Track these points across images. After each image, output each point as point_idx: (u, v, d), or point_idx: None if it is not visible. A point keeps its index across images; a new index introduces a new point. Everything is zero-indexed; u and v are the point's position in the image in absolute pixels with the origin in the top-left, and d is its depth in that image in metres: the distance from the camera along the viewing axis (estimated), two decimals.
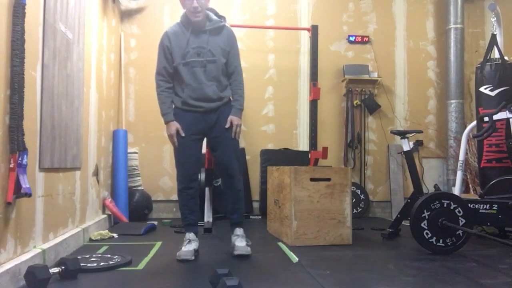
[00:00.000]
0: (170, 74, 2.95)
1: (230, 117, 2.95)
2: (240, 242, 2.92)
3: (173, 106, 2.99)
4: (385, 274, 2.54)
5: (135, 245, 3.36)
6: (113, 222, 4.30)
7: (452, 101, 5.24)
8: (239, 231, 3.00)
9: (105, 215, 4.14)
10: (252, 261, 2.84)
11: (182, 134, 2.92)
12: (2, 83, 2.09)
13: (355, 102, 5.29)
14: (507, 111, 3.43)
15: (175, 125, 2.92)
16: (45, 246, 2.59)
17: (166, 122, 2.95)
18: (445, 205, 3.13)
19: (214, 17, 2.98)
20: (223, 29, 2.98)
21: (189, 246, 2.90)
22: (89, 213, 3.66)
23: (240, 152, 3.13)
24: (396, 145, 5.31)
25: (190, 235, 2.96)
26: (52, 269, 2.27)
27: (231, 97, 3.04)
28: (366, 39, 5.38)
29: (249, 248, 2.90)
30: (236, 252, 2.88)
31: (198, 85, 2.89)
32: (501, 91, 3.89)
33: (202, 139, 3.05)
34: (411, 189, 3.94)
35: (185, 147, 2.94)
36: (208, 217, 4.16)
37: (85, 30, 3.46)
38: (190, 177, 2.96)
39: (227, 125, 2.93)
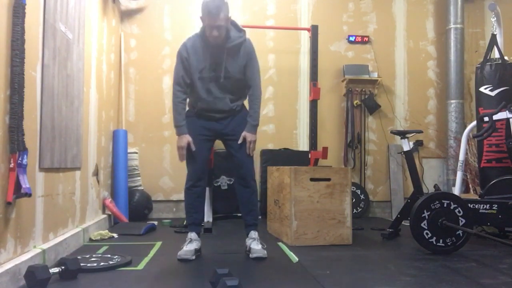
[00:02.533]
0: (188, 84, 2.93)
1: (244, 133, 2.94)
2: (256, 245, 2.93)
3: (187, 108, 3.01)
4: (385, 274, 2.54)
5: (135, 245, 3.35)
6: (113, 222, 4.30)
7: (452, 101, 5.24)
8: (254, 234, 3.00)
9: (105, 215, 4.14)
10: (252, 261, 2.84)
11: (193, 148, 2.92)
12: (2, 83, 2.09)
13: (355, 102, 5.29)
14: (507, 111, 3.43)
15: (187, 138, 2.90)
16: (45, 246, 2.59)
17: (179, 134, 2.92)
18: (445, 205, 3.13)
19: (234, 34, 2.88)
20: (242, 45, 2.91)
21: (190, 245, 2.90)
22: (89, 213, 3.66)
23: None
24: (396, 145, 5.31)
25: (192, 235, 2.96)
26: (52, 269, 2.27)
27: (244, 104, 3.06)
28: (366, 39, 5.38)
29: (265, 251, 2.92)
30: (253, 255, 2.89)
31: (212, 100, 2.92)
32: (501, 91, 3.88)
33: (213, 140, 3.08)
34: (411, 189, 3.94)
35: (195, 145, 2.95)
36: (208, 217, 4.17)
37: (85, 30, 3.46)
38: (198, 175, 2.97)
39: (240, 141, 2.93)
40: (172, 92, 2.95)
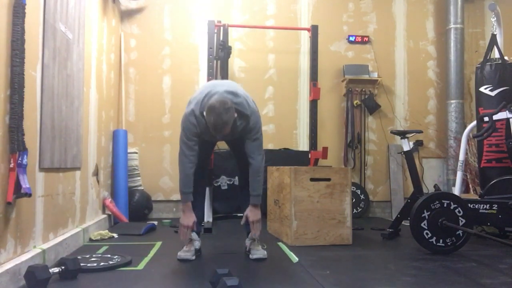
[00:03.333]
0: (197, 143, 2.81)
1: (246, 212, 2.85)
2: (256, 246, 2.93)
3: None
4: (385, 274, 2.54)
5: (135, 245, 3.35)
6: (113, 222, 4.30)
7: (452, 101, 5.24)
8: (254, 235, 2.99)
9: (105, 215, 4.13)
10: (252, 261, 2.84)
11: (195, 229, 2.88)
12: (2, 83, 2.09)
13: (355, 102, 5.29)
14: (507, 111, 3.43)
15: (193, 218, 2.81)
16: (45, 246, 2.59)
17: (185, 201, 2.80)
18: (445, 205, 3.13)
19: (238, 121, 2.73)
20: (246, 127, 2.79)
21: (190, 245, 2.91)
22: (89, 213, 3.66)
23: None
24: (396, 145, 5.31)
25: (192, 235, 2.96)
26: (52, 269, 2.27)
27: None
28: (366, 39, 5.38)
29: (265, 252, 2.92)
30: (253, 256, 2.89)
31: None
32: (501, 91, 3.89)
33: (216, 141, 3.12)
34: (411, 189, 3.94)
35: (199, 144, 2.92)
36: (208, 217, 4.17)
37: (85, 30, 3.46)
38: (200, 174, 2.98)
39: (242, 222, 2.87)
40: (181, 152, 2.79)
